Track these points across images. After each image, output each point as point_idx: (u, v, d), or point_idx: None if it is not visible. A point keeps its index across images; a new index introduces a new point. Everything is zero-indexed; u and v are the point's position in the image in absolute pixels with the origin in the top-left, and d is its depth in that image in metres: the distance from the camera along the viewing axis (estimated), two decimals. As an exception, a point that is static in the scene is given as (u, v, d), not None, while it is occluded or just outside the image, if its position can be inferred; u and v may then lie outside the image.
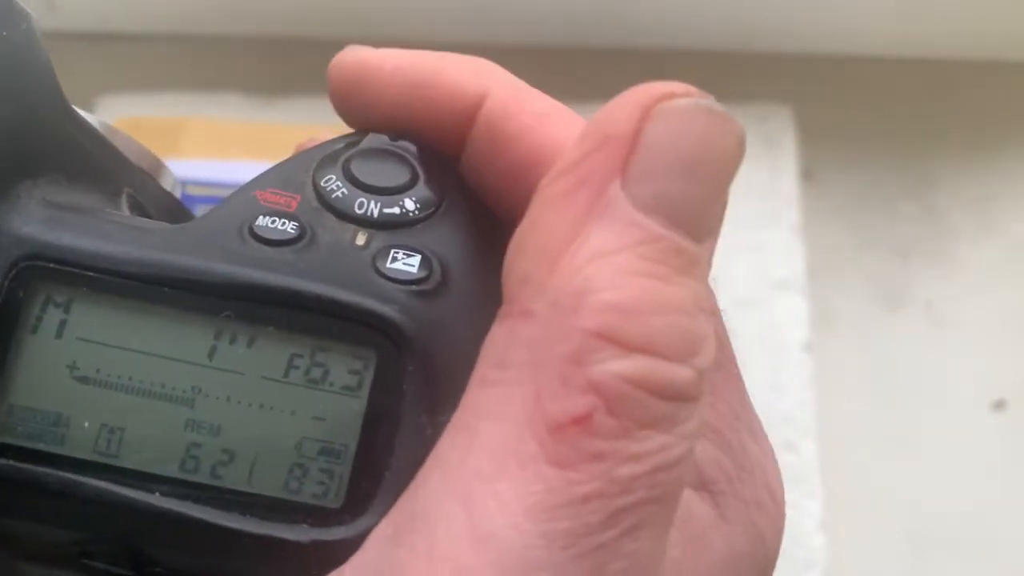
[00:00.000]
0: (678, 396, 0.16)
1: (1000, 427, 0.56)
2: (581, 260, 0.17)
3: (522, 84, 0.22)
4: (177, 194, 0.25)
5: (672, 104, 0.17)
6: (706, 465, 0.21)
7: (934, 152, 0.62)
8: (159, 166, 0.25)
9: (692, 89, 0.17)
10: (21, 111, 0.21)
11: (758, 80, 0.62)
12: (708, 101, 0.17)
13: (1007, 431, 0.56)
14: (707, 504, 0.20)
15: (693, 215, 0.17)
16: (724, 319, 0.22)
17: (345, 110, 0.23)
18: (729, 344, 0.22)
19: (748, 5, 0.61)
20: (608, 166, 0.17)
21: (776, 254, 0.57)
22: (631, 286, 0.16)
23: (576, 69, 0.61)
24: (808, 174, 0.61)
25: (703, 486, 0.20)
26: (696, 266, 0.17)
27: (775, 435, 0.62)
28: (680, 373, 0.16)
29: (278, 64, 0.63)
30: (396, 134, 0.22)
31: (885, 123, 0.62)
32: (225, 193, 0.56)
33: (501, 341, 0.17)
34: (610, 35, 0.62)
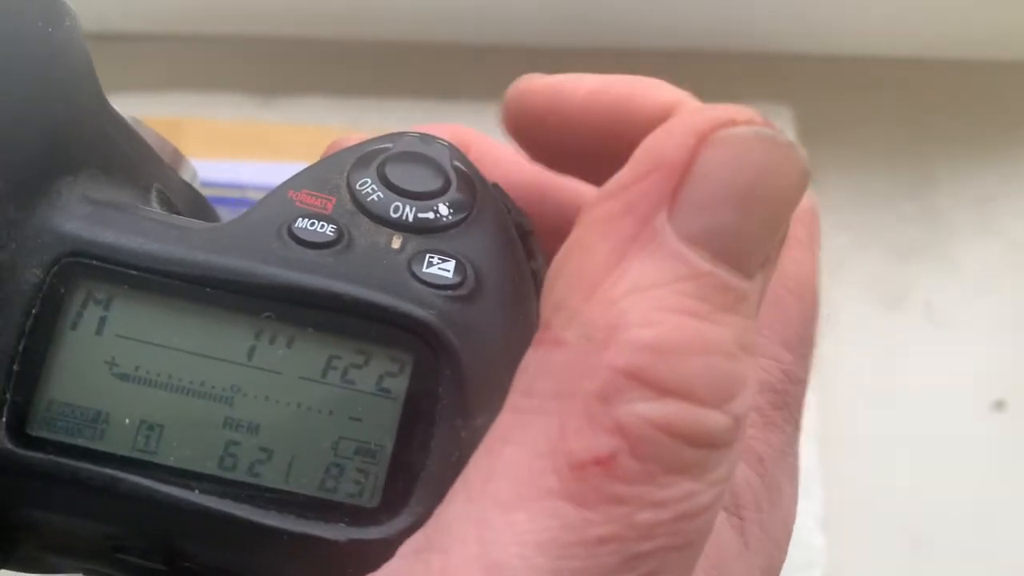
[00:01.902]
0: (709, 443, 0.16)
1: (1000, 427, 0.56)
2: (618, 292, 0.16)
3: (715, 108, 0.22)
4: (196, 185, 0.25)
5: (731, 132, 0.16)
6: (743, 489, 0.20)
7: (934, 152, 0.62)
8: (179, 158, 0.25)
9: (755, 116, 0.17)
10: (64, 107, 0.21)
11: (758, 80, 0.62)
12: (771, 131, 0.16)
13: (1007, 431, 0.56)
14: (735, 531, 0.20)
15: (744, 250, 0.16)
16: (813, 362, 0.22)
17: (530, 137, 0.23)
18: (804, 385, 0.22)
19: (748, 5, 0.61)
20: (657, 194, 0.16)
21: (776, 254, 0.57)
22: (668, 324, 0.16)
23: (575, 70, 0.61)
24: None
25: (736, 509, 0.20)
26: (743, 303, 0.16)
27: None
28: (713, 419, 0.16)
29: (278, 64, 0.63)
30: (425, 134, 0.23)
31: (885, 123, 0.62)
32: (225, 193, 0.56)
33: (532, 368, 0.17)
34: (610, 35, 0.62)
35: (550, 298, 0.17)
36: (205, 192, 0.26)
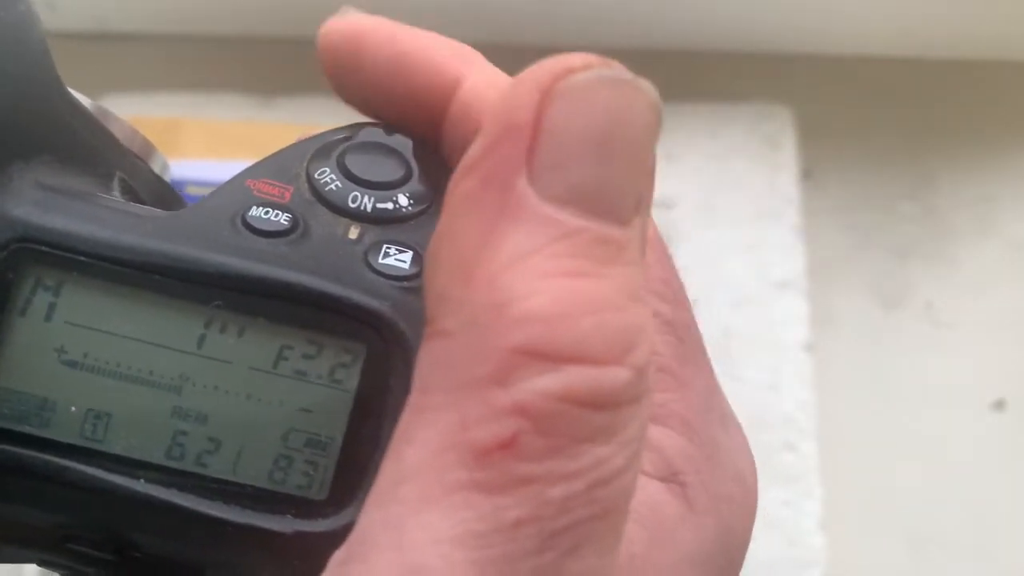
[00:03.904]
0: (615, 402, 0.15)
1: (1000, 427, 0.56)
2: (495, 269, 0.15)
3: (503, 75, 0.22)
4: (167, 178, 0.25)
5: (572, 80, 0.16)
6: (674, 456, 0.20)
7: (934, 152, 0.62)
8: (150, 149, 0.25)
9: (593, 59, 0.16)
10: (16, 92, 0.21)
11: (758, 80, 0.62)
12: (613, 71, 0.16)
13: (1007, 431, 0.56)
14: (675, 496, 0.20)
15: (613, 198, 0.16)
16: (693, 307, 0.21)
17: (336, 76, 0.23)
18: (696, 329, 0.21)
19: (748, 5, 0.61)
20: (512, 160, 0.16)
21: (776, 254, 0.57)
22: (550, 290, 0.15)
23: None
24: (808, 174, 0.61)
25: (671, 476, 0.20)
26: (624, 251, 0.16)
27: (775, 435, 0.62)
28: (614, 377, 0.15)
29: (278, 64, 0.63)
30: (388, 125, 0.22)
31: (885, 123, 0.62)
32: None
33: (424, 364, 0.16)
34: (610, 36, 0.62)
35: (431, 290, 0.16)
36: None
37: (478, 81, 0.21)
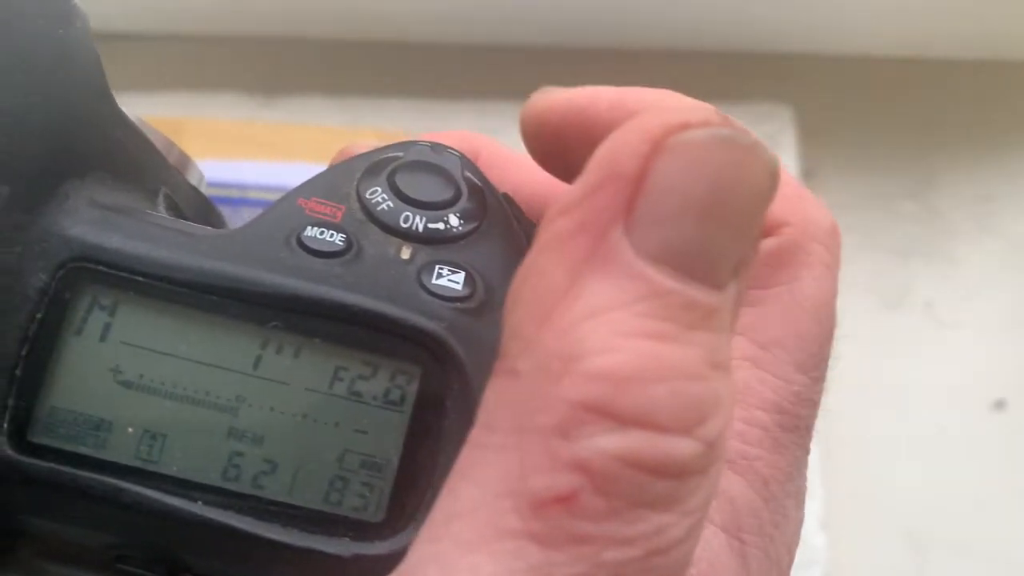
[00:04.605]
0: (678, 473, 0.15)
1: (1000, 427, 0.56)
2: (574, 318, 0.15)
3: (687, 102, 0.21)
4: (204, 189, 0.25)
5: (685, 136, 0.15)
6: (745, 512, 0.20)
7: (934, 152, 0.62)
8: (186, 162, 0.25)
9: (712, 116, 0.15)
10: (72, 110, 0.21)
11: (758, 80, 0.62)
12: (730, 131, 0.15)
13: (1007, 431, 0.56)
14: (735, 553, 0.20)
15: (711, 262, 0.15)
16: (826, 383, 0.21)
17: (548, 151, 0.22)
18: (815, 407, 0.21)
19: (748, 5, 0.61)
20: (611, 208, 0.15)
21: (776, 254, 0.57)
22: (628, 350, 0.15)
23: (575, 70, 0.61)
24: (808, 174, 0.61)
25: (736, 531, 0.20)
26: (713, 318, 0.15)
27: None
28: (680, 447, 0.15)
29: (278, 64, 0.63)
30: (436, 143, 0.22)
31: (885, 123, 0.62)
32: (226, 193, 0.56)
33: (490, 400, 0.16)
34: (610, 35, 0.62)
35: (508, 325, 0.16)
36: (206, 192, 0.26)
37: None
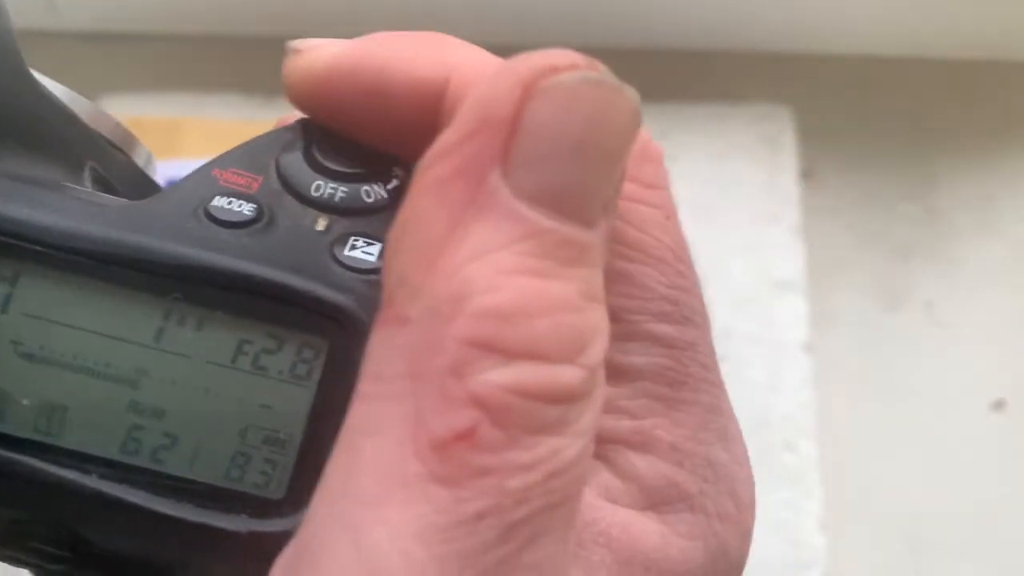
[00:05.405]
0: (566, 398, 0.15)
1: (1000, 427, 0.56)
2: (459, 260, 0.15)
3: (485, 56, 0.21)
4: (152, 171, 0.25)
5: (556, 80, 0.15)
6: (657, 486, 0.20)
7: (934, 152, 0.62)
8: (132, 140, 0.24)
9: (579, 59, 0.16)
10: None
11: (758, 80, 0.62)
12: (597, 73, 0.16)
13: (1007, 431, 0.56)
14: (654, 523, 0.19)
15: (583, 201, 0.16)
16: (714, 322, 0.21)
17: (315, 116, 0.22)
18: (703, 346, 0.21)
19: (748, 5, 0.61)
20: (487, 152, 0.15)
21: (776, 254, 0.57)
22: (511, 287, 0.15)
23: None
24: (808, 174, 0.61)
25: (650, 507, 0.20)
26: (586, 253, 0.16)
27: (775, 435, 0.62)
28: (566, 374, 0.15)
29: (278, 64, 0.63)
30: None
31: (885, 123, 0.62)
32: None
33: (378, 350, 0.16)
34: (610, 35, 0.62)
35: (391, 272, 0.16)
36: (155, 175, 0.25)
37: (464, 76, 0.20)
